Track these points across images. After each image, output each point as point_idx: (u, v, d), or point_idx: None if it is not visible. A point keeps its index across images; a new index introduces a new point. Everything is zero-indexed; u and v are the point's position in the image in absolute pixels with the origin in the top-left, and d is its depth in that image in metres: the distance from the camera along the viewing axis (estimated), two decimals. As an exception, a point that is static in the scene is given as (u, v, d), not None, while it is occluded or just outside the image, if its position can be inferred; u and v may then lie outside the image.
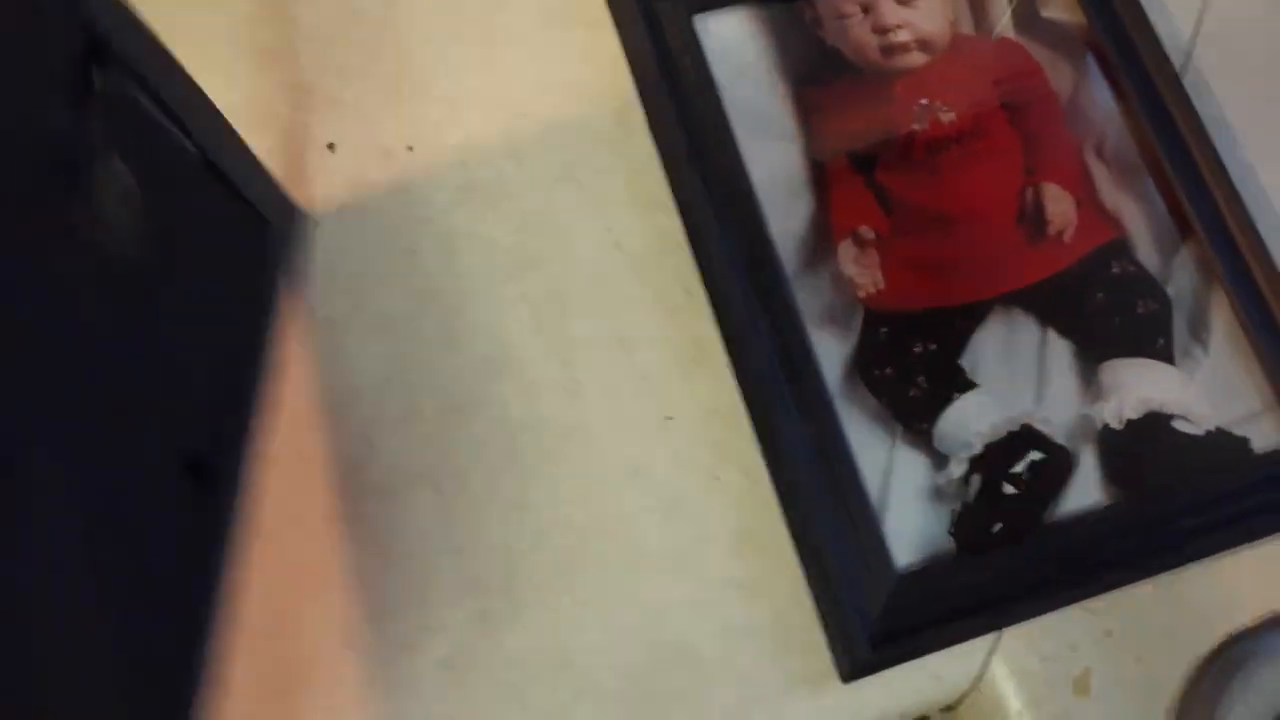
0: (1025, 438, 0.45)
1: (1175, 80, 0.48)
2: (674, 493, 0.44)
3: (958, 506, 0.43)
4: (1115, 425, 0.44)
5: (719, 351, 0.45)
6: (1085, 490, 0.44)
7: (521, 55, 0.49)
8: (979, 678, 0.43)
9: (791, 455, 0.43)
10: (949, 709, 0.43)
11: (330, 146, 0.47)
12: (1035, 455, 0.44)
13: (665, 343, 0.46)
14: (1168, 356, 0.46)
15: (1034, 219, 0.47)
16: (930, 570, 0.42)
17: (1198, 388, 0.45)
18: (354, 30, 0.48)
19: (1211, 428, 0.45)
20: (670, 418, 0.45)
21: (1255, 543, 0.43)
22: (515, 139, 0.49)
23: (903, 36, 0.50)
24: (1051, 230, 0.47)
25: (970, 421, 0.44)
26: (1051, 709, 0.42)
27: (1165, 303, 0.46)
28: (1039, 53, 0.50)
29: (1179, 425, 0.45)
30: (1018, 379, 0.45)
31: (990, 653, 0.43)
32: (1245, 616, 0.44)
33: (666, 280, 0.47)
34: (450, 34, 0.49)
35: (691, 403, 0.45)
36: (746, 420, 0.44)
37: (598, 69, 0.50)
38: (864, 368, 0.45)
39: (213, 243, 0.37)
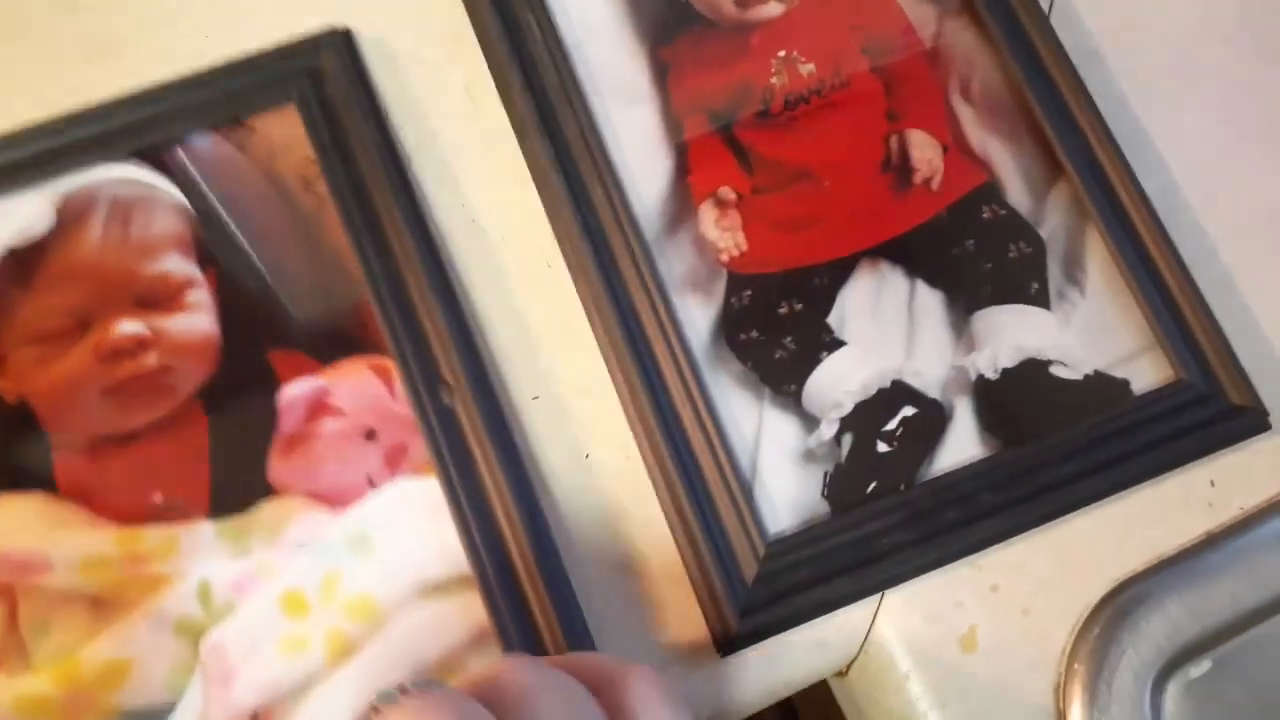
0: (896, 393, 0.45)
1: (1041, 14, 0.48)
2: (547, 472, 0.45)
3: (830, 468, 0.43)
4: (990, 375, 0.44)
5: (584, 325, 0.45)
6: (962, 443, 0.44)
7: (370, 22, 0.51)
8: (865, 641, 0.43)
9: (660, 427, 0.43)
10: (841, 674, 0.43)
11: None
12: (907, 411, 0.45)
13: (528, 319, 0.46)
14: (1043, 301, 0.45)
15: (900, 167, 0.47)
16: (804, 535, 0.42)
17: (1075, 331, 0.45)
18: None
19: (1090, 371, 0.45)
20: (536, 397, 0.46)
21: (1139, 486, 0.44)
22: (404, 128, 0.50)
23: None
24: (918, 178, 0.47)
25: (839, 380, 0.44)
26: (940, 668, 0.43)
27: (1039, 245, 0.46)
28: None
29: (1057, 370, 0.45)
30: (887, 334, 0.45)
31: (874, 615, 0.43)
32: (1133, 562, 0.44)
33: (527, 254, 0.47)
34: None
35: (558, 380, 0.46)
36: (615, 394, 0.44)
37: (441, 38, 0.51)
38: (729, 332, 0.45)
39: None
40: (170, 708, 0.38)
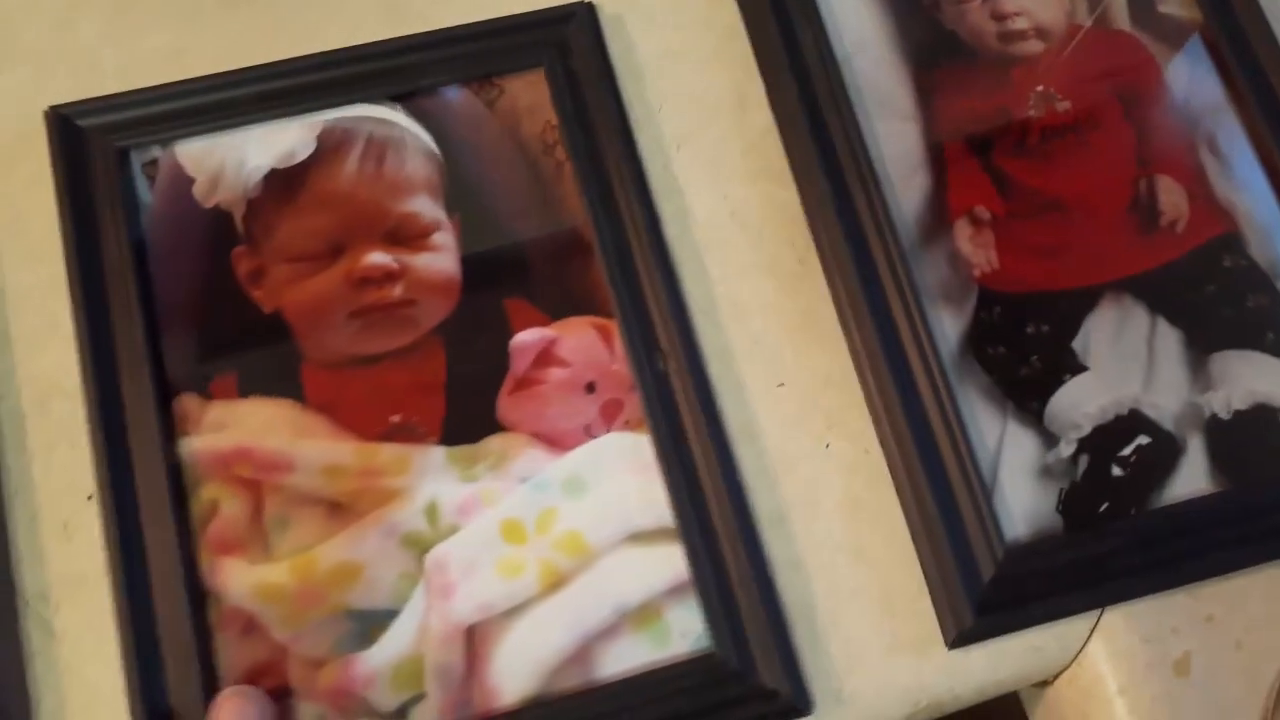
0: (1133, 422, 0.53)
1: None
2: (785, 458, 0.53)
3: (1066, 485, 0.52)
4: (1223, 415, 0.53)
5: (831, 321, 0.55)
6: (1191, 477, 0.52)
7: (639, 21, 0.59)
8: (1079, 653, 0.51)
9: (906, 426, 0.51)
10: (1044, 684, 0.48)
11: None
12: (1143, 439, 0.53)
13: (778, 310, 0.55)
14: (1277, 351, 0.54)
15: (1147, 209, 0.57)
16: (1038, 545, 0.51)
17: None
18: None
19: None
20: (782, 384, 0.54)
21: None
22: (634, 105, 0.58)
23: (1020, 24, 0.60)
24: (1164, 221, 0.57)
25: (1080, 403, 0.53)
26: (1151, 689, 0.50)
27: (1276, 298, 0.56)
28: (1153, 46, 0.60)
29: None
30: (1127, 364, 0.54)
31: (1091, 631, 0.52)
32: None
33: (780, 249, 0.56)
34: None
35: (803, 371, 0.54)
36: (858, 389, 0.54)
37: (716, 38, 0.60)
38: (977, 345, 0.54)
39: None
40: (393, 613, 0.47)
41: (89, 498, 0.50)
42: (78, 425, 0.50)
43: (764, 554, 0.50)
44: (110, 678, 0.47)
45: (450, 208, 0.55)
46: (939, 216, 0.56)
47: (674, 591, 0.49)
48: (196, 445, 0.50)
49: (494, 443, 0.51)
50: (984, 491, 0.50)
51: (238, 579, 0.48)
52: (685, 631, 0.49)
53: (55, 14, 0.57)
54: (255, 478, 0.50)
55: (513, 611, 0.48)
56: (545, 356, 0.53)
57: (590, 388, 0.53)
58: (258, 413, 0.50)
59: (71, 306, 0.51)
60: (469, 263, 0.54)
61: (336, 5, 0.58)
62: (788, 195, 0.56)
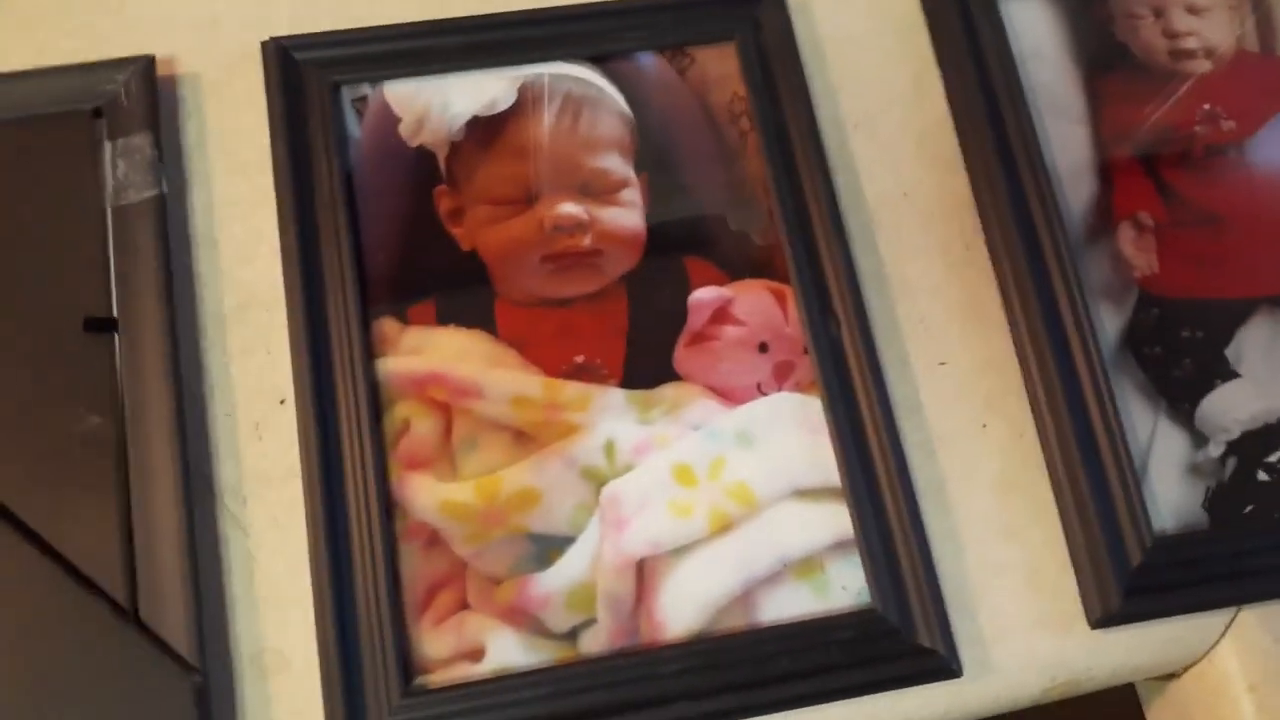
0: None
1: None
2: (942, 433, 0.55)
3: (1213, 484, 0.54)
4: None
5: (994, 306, 0.56)
6: None
7: (825, 5, 0.61)
8: (1212, 649, 0.53)
9: (1065, 412, 0.53)
10: (1169, 677, 0.48)
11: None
12: None
13: (943, 292, 0.57)
14: None
15: None
16: (1184, 538, 0.52)
17: None
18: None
19: None
20: (944, 363, 0.56)
21: None
22: (814, 84, 0.59)
23: (1191, 44, 0.62)
24: None
25: (1231, 408, 0.55)
26: None
27: None
28: None
29: None
30: (1277, 376, 0.55)
31: (1226, 627, 0.53)
32: None
33: (949, 234, 0.58)
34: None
35: (965, 351, 0.56)
36: (1017, 373, 0.55)
37: (897, 29, 0.61)
38: (1135, 343, 0.56)
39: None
40: (570, 540, 0.48)
41: (281, 402, 0.51)
42: (275, 333, 0.52)
43: (923, 520, 0.51)
44: (295, 574, 0.48)
45: (639, 166, 0.56)
46: (1103, 218, 0.57)
47: (836, 547, 0.51)
48: (392, 366, 0.52)
49: (669, 390, 0.53)
50: (1135, 481, 0.51)
51: (425, 494, 0.50)
52: (846, 585, 0.50)
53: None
54: (447, 401, 0.51)
55: (681, 550, 0.50)
56: (721, 314, 0.54)
57: (763, 348, 0.54)
58: (453, 340, 0.52)
59: (281, 225, 0.53)
60: (653, 220, 0.56)
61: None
62: (958, 182, 0.58)
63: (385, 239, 0.54)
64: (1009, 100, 0.58)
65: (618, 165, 0.56)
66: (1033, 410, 0.54)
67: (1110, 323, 0.56)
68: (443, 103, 0.56)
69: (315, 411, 0.50)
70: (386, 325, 0.52)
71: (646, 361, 0.53)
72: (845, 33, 0.61)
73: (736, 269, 0.55)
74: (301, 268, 0.52)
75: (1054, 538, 0.52)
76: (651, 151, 0.57)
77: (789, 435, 0.52)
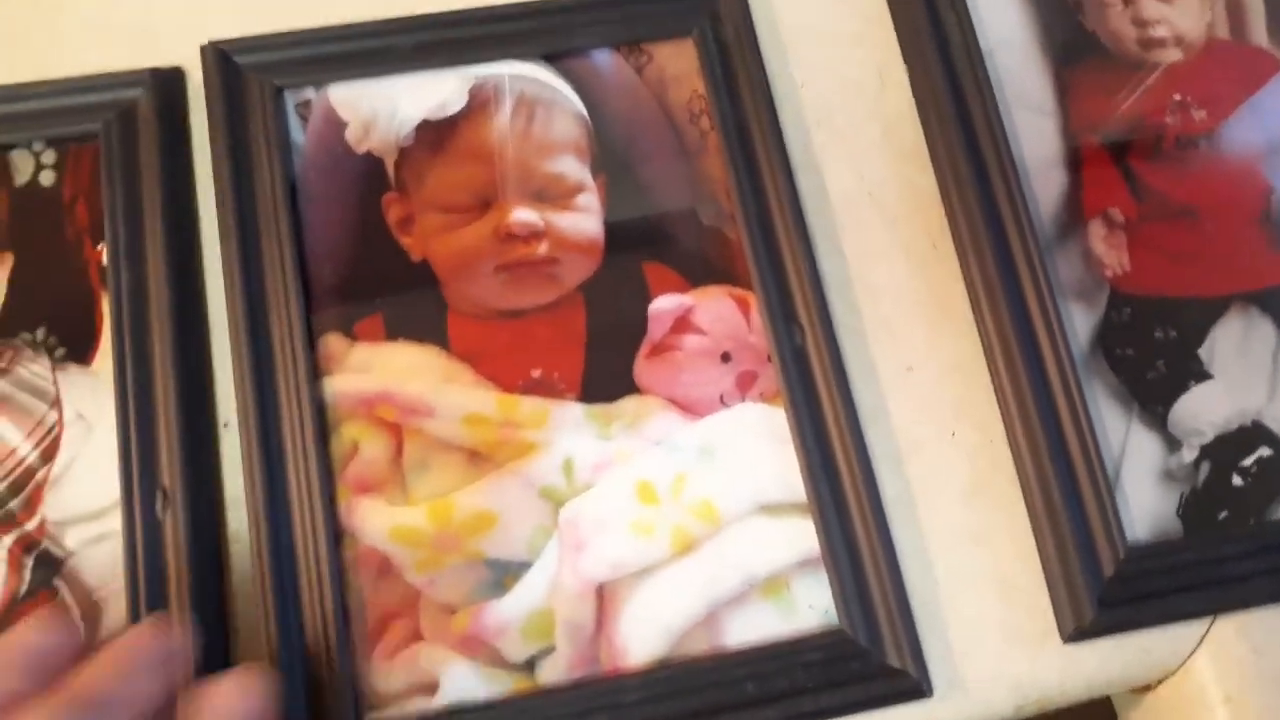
0: (1256, 434, 0.51)
1: None
2: (910, 441, 0.51)
3: (1187, 490, 0.51)
4: None
5: (963, 307, 0.53)
6: None
7: (786, 3, 0.58)
8: (1187, 658, 0.50)
9: (1035, 417, 0.50)
10: (1145, 689, 0.45)
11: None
12: (1264, 451, 0.51)
13: (910, 294, 0.54)
14: None
15: (1277, 224, 0.55)
16: (1158, 547, 0.49)
17: None
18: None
19: None
20: (911, 368, 0.52)
21: None
22: (776, 79, 0.56)
23: (1161, 32, 0.58)
24: None
25: (1204, 410, 0.52)
26: (1259, 700, 0.49)
27: None
28: None
29: None
30: (1252, 376, 0.52)
31: (1202, 637, 0.50)
32: None
33: (915, 233, 0.55)
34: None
35: (932, 356, 0.53)
36: (986, 377, 0.52)
37: (860, 21, 0.58)
38: (1106, 344, 0.53)
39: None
40: (527, 564, 0.44)
41: (224, 425, 0.48)
42: (218, 352, 0.49)
43: (892, 534, 0.48)
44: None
45: (596, 169, 0.53)
46: (1074, 214, 0.54)
47: (802, 565, 0.47)
48: (340, 385, 0.48)
49: (630, 403, 0.49)
50: (1108, 489, 0.48)
51: (375, 519, 0.46)
52: (813, 604, 0.47)
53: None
54: (397, 420, 0.48)
55: (643, 572, 0.47)
56: (683, 323, 0.51)
57: (726, 357, 0.50)
58: (402, 356, 0.49)
59: (221, 237, 0.49)
60: (612, 225, 0.52)
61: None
62: (924, 179, 0.54)
63: (331, 250, 0.50)
64: (976, 92, 0.54)
65: (574, 169, 0.52)
66: (1002, 416, 0.50)
67: (1081, 324, 0.52)
68: (391, 106, 0.52)
69: (258, 434, 0.46)
70: (333, 341, 0.49)
71: (606, 374, 0.50)
72: (806, 25, 0.57)
73: (697, 275, 0.51)
74: (243, 284, 0.48)
75: (1026, 549, 0.49)
76: (609, 153, 0.53)
77: (753, 448, 0.49)
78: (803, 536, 0.48)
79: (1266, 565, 0.49)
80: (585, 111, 0.54)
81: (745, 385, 0.51)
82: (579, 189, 0.52)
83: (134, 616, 0.44)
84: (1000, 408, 0.51)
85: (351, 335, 0.49)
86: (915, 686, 0.46)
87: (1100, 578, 0.48)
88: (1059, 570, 0.48)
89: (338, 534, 0.46)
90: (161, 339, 0.48)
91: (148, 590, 0.45)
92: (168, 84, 0.53)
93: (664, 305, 0.51)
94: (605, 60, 0.55)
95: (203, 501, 0.47)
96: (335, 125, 0.52)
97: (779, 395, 0.49)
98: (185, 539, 0.45)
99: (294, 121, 0.52)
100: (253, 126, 0.51)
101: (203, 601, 0.45)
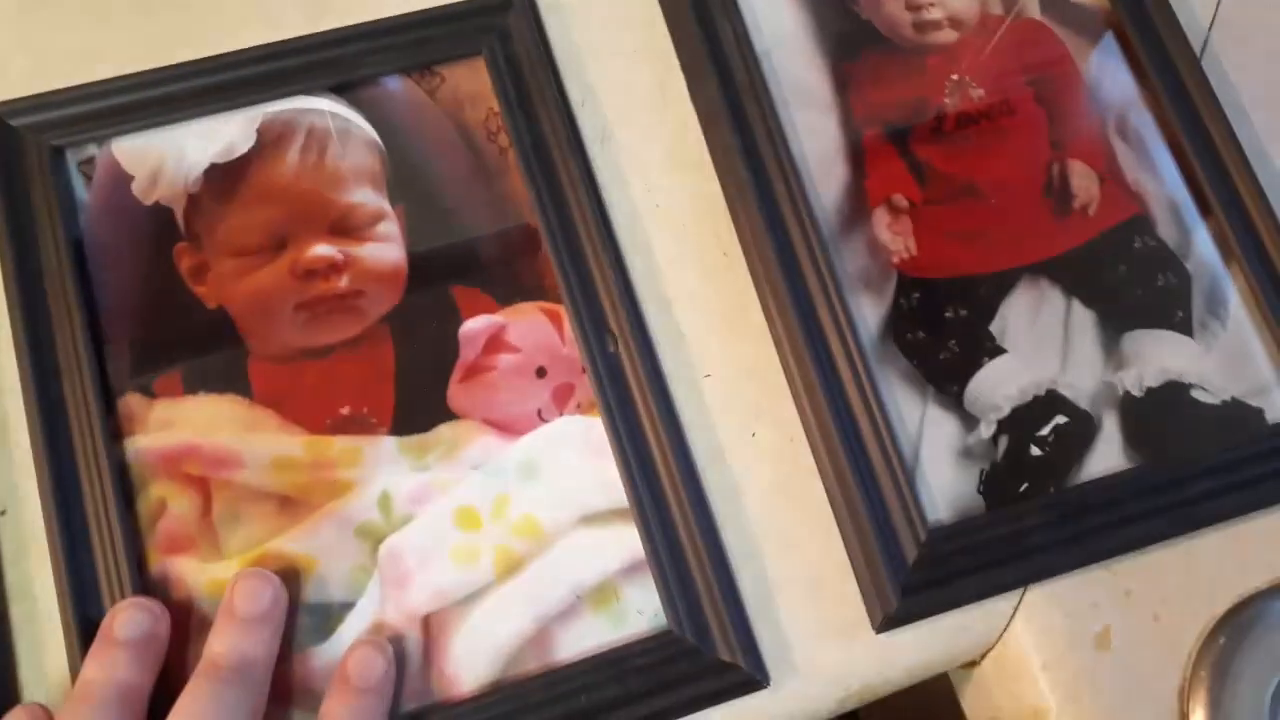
0: (1050, 402, 0.52)
1: (1194, 63, 0.57)
2: (712, 447, 0.51)
3: (986, 466, 0.51)
4: (1136, 393, 0.53)
5: (756, 312, 0.53)
6: (1107, 454, 0.52)
7: (559, 18, 0.57)
8: (1004, 632, 0.50)
9: (827, 412, 0.50)
10: (972, 664, 0.47)
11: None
12: (1060, 419, 0.52)
13: (703, 302, 0.53)
14: (1186, 329, 0.54)
15: (1060, 193, 0.56)
16: (960, 526, 0.50)
17: (1215, 359, 0.54)
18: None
19: (1227, 398, 0.53)
20: (708, 375, 0.52)
21: (1268, 509, 0.51)
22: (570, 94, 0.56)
23: (934, 14, 0.58)
24: (1076, 204, 0.56)
25: (999, 385, 0.52)
26: (1074, 663, 0.49)
27: (1185, 277, 0.55)
28: (1063, 34, 0.59)
29: (1197, 394, 0.53)
30: (1044, 346, 0.53)
31: (1015, 609, 0.50)
32: (1258, 580, 0.51)
33: (705, 242, 0.54)
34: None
35: (729, 361, 0.52)
36: (783, 379, 0.52)
37: (637, 34, 0.57)
38: (897, 330, 0.53)
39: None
40: (349, 605, 0.44)
41: (2, 513, 0.47)
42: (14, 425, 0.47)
43: (718, 533, 0.48)
44: (56, 684, 0.44)
45: (394, 197, 0.52)
46: (858, 205, 0.54)
47: (629, 570, 0.47)
48: (142, 444, 0.47)
49: (445, 431, 0.49)
50: (906, 475, 0.49)
51: (189, 578, 0.45)
52: (641, 610, 0.47)
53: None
54: (203, 475, 0.47)
55: (470, 598, 0.46)
56: (495, 342, 0.50)
57: (541, 372, 0.50)
58: (204, 409, 0.48)
59: (9, 309, 0.47)
60: (415, 252, 0.51)
61: (255, 3, 0.55)
62: (711, 188, 0.54)
63: (124, 308, 0.49)
64: (752, 96, 0.54)
65: (371, 198, 0.52)
66: (798, 413, 0.51)
67: (871, 313, 0.53)
68: (177, 154, 0.51)
69: (59, 506, 0.44)
70: (132, 401, 0.47)
71: (419, 403, 0.49)
72: (588, 42, 0.56)
73: (507, 294, 0.51)
74: (32, 355, 0.46)
75: (834, 544, 0.49)
76: (408, 179, 0.52)
77: (573, 461, 0.49)
78: (628, 543, 0.48)
79: (1069, 533, 0.49)
80: (379, 139, 0.53)
81: (562, 398, 0.50)
82: (378, 218, 0.52)
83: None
84: (796, 406, 0.51)
85: (150, 393, 0.48)
86: (749, 679, 0.46)
87: (903, 565, 0.48)
88: (863, 562, 0.48)
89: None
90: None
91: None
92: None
93: (475, 326, 0.51)
94: (396, 86, 0.54)
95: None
96: (121, 179, 0.51)
97: (595, 406, 0.49)
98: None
99: (78, 181, 0.51)
100: (33, 191, 0.50)
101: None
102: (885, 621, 0.48)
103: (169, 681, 0.43)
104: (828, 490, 0.50)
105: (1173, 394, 0.52)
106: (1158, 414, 0.52)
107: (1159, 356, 0.53)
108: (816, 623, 0.49)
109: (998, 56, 0.58)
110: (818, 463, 0.50)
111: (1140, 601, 0.50)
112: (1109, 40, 0.58)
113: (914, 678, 0.49)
